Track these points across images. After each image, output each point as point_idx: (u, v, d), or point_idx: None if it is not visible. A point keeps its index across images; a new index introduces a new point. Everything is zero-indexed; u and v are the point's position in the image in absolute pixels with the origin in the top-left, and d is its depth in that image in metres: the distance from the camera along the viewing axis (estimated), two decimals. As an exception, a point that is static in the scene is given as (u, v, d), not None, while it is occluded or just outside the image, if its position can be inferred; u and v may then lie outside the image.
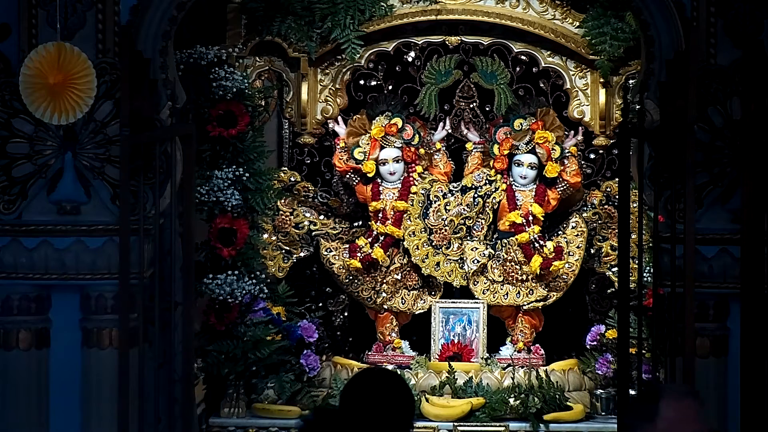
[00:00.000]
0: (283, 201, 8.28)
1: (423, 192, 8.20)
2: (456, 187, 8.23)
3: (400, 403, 3.98)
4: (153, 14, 6.50)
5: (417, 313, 8.30)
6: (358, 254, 8.16)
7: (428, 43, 8.29)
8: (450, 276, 8.16)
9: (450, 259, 8.15)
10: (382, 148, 8.18)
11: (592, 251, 8.24)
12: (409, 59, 8.48)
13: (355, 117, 8.29)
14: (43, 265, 6.45)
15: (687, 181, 6.14)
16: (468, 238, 8.20)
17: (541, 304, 8.19)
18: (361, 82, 8.50)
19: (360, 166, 8.18)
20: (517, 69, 8.36)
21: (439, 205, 8.19)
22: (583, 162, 8.39)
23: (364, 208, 8.34)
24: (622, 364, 6.33)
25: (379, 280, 8.23)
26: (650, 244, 6.83)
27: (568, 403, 7.82)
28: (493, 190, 8.20)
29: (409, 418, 3.97)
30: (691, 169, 6.14)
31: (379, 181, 8.22)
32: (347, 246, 8.26)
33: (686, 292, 6.14)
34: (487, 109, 8.46)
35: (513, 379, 7.89)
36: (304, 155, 8.61)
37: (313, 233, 8.36)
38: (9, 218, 6.44)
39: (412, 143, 8.21)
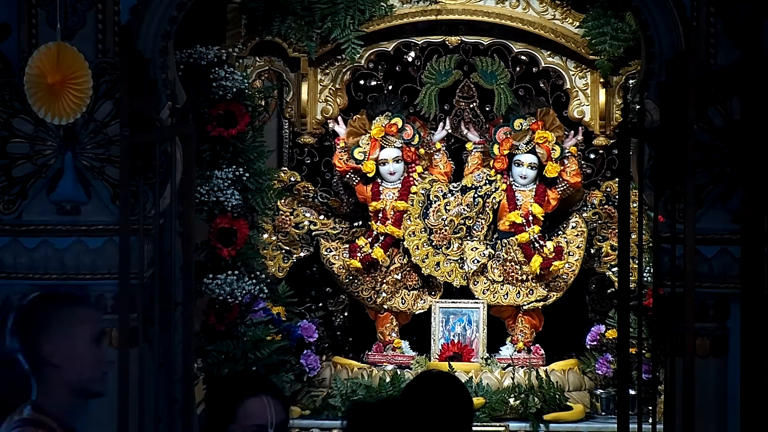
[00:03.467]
0: (283, 201, 8.28)
1: (423, 192, 8.20)
2: (456, 187, 8.23)
3: (460, 407, 3.97)
4: (153, 14, 6.49)
5: (417, 313, 8.30)
6: (358, 254, 8.16)
7: (428, 43, 8.29)
8: (450, 276, 8.16)
9: (450, 259, 8.15)
10: (382, 148, 8.18)
11: (592, 251, 8.24)
12: (409, 59, 8.48)
13: (355, 117, 8.29)
14: (43, 265, 6.44)
15: (687, 181, 6.14)
16: (468, 238, 8.20)
17: (541, 304, 8.19)
18: (361, 82, 8.50)
19: (360, 166, 8.18)
20: (517, 69, 8.36)
21: (439, 205, 8.19)
22: (583, 162, 8.39)
23: (364, 208, 8.34)
24: (622, 364, 6.32)
25: (379, 280, 8.23)
26: (650, 244, 6.83)
27: (568, 403, 7.82)
28: (493, 190, 8.20)
29: (468, 422, 3.96)
30: (691, 169, 6.13)
31: (379, 181, 8.22)
32: (347, 246, 8.26)
33: (686, 292, 6.14)
34: (487, 109, 8.46)
35: (513, 379, 7.89)
36: (304, 155, 8.61)
37: (313, 233, 8.36)
38: (9, 218, 6.43)
39: (412, 143, 8.21)
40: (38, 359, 3.50)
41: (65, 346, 3.50)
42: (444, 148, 8.36)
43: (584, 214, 8.26)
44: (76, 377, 3.50)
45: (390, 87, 8.50)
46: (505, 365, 8.03)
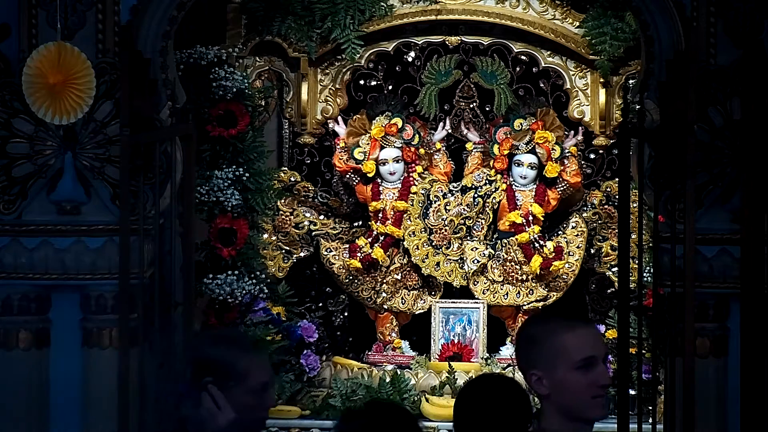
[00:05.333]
0: (283, 201, 8.28)
1: (423, 192, 8.20)
2: (456, 187, 8.23)
3: (518, 410, 3.93)
4: (153, 14, 6.49)
5: (417, 313, 8.30)
6: (358, 254, 8.16)
7: (428, 43, 8.30)
8: (450, 276, 8.16)
9: (450, 259, 8.15)
10: (382, 148, 8.18)
11: (592, 251, 8.24)
12: (409, 59, 8.48)
13: (355, 117, 8.29)
14: (43, 265, 6.44)
15: (687, 181, 6.14)
16: (468, 238, 8.20)
17: (541, 304, 8.19)
18: (361, 82, 8.50)
19: (360, 166, 8.18)
20: (517, 69, 8.36)
21: (439, 205, 8.19)
22: (583, 162, 8.39)
23: (364, 208, 8.34)
24: (622, 364, 6.32)
25: (379, 280, 8.23)
26: (650, 244, 6.83)
27: (568, 403, 7.81)
28: (493, 190, 8.20)
29: (525, 423, 3.92)
30: (691, 169, 6.13)
31: (379, 181, 8.22)
32: (347, 246, 8.26)
33: (686, 292, 6.14)
34: (487, 109, 8.46)
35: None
36: (304, 155, 8.61)
37: (313, 233, 8.36)
38: (9, 218, 6.43)
39: (412, 143, 8.21)
40: (531, 389, 3.48)
41: (550, 375, 3.44)
42: (444, 148, 8.36)
43: (584, 214, 8.26)
44: (564, 403, 3.44)
45: (390, 87, 8.50)
46: (505, 365, 8.03)
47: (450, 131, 8.40)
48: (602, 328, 8.04)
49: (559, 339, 3.44)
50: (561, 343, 3.43)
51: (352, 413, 3.62)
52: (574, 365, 3.41)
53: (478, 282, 8.19)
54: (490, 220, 8.24)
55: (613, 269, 7.96)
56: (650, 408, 6.74)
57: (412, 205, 8.19)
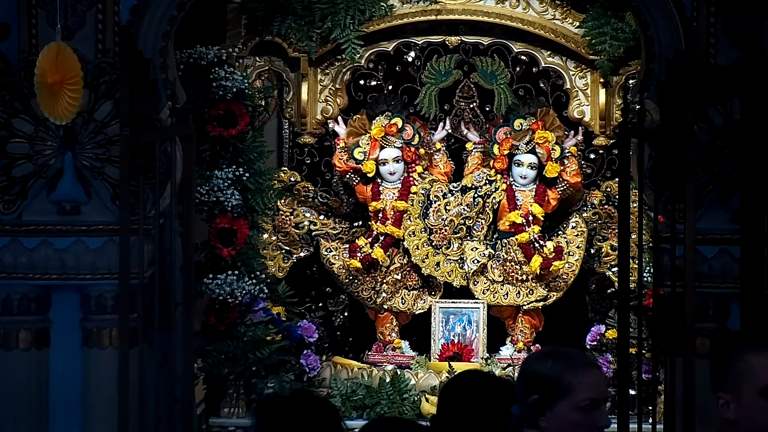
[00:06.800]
0: (283, 201, 8.28)
1: (423, 192, 8.20)
2: (456, 187, 8.23)
3: (500, 404, 3.87)
4: (153, 14, 6.49)
5: (417, 313, 8.30)
6: (358, 254, 8.16)
7: (428, 43, 8.29)
8: (450, 276, 8.16)
9: (450, 259, 8.15)
10: (382, 148, 8.18)
11: (592, 251, 8.24)
12: (409, 59, 8.48)
13: (355, 117, 8.29)
14: (43, 265, 6.44)
15: (687, 181, 6.14)
16: (468, 238, 8.20)
17: (541, 304, 8.19)
18: (361, 82, 8.50)
19: (360, 166, 8.18)
20: (517, 69, 8.36)
21: (439, 205, 8.19)
22: (583, 162, 8.39)
23: (364, 208, 8.34)
24: (622, 364, 6.32)
25: (379, 280, 8.23)
26: (650, 244, 6.83)
27: (568, 403, 7.81)
28: (493, 190, 8.20)
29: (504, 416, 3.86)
30: (691, 169, 6.13)
31: (379, 181, 8.22)
32: (347, 246, 8.26)
33: (686, 292, 6.14)
34: (487, 109, 8.46)
35: (513, 379, 7.89)
36: (304, 155, 8.61)
37: (313, 233, 8.36)
38: (9, 218, 6.43)
39: (412, 143, 8.21)
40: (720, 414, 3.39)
41: (737, 400, 3.35)
42: (444, 148, 8.36)
43: (584, 214, 8.26)
44: (749, 430, 3.34)
45: (390, 87, 8.51)
46: (505, 365, 8.03)
47: (450, 131, 8.40)
48: (602, 328, 8.05)
49: (745, 362, 3.34)
50: (747, 366, 3.33)
51: (271, 403, 3.50)
52: (760, 391, 3.31)
53: (478, 282, 8.19)
54: (490, 220, 8.24)
55: (613, 269, 7.96)
56: (650, 408, 6.74)
57: (412, 205, 8.19)
